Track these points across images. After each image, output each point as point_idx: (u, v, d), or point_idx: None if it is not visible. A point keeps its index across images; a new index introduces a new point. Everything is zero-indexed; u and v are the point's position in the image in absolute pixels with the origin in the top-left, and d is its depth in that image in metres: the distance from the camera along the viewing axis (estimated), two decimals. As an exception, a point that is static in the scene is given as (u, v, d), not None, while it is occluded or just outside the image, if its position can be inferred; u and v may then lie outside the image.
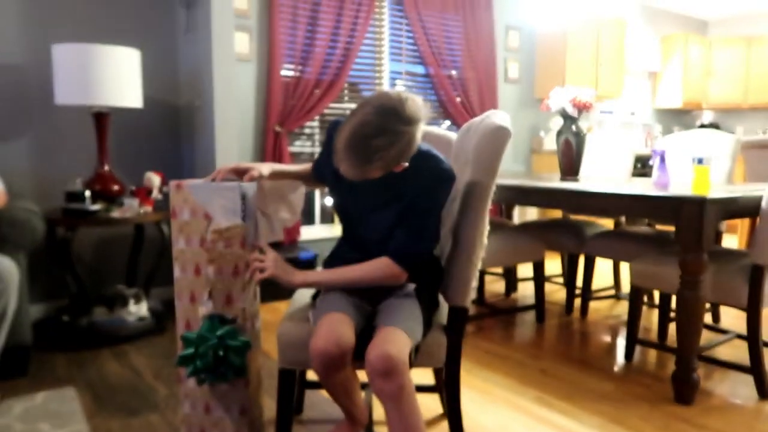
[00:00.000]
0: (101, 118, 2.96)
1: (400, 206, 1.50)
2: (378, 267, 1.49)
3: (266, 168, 1.65)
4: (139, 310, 2.94)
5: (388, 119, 1.31)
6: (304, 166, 1.79)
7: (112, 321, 2.84)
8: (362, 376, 1.49)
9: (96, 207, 2.77)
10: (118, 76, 2.82)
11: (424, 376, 2.32)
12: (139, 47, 3.37)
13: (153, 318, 2.95)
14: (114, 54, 2.81)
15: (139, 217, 2.86)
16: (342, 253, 1.67)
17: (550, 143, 5.38)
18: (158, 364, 2.55)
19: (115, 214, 2.81)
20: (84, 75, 2.75)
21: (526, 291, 3.89)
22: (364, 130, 1.30)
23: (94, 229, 3.30)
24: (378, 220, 1.54)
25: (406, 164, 1.41)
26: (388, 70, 4.53)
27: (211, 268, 1.63)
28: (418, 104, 1.36)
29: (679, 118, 7.31)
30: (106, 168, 2.99)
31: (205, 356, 1.58)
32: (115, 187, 2.99)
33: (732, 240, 5.54)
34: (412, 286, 1.56)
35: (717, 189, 2.32)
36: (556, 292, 3.90)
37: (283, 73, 3.85)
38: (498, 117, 1.58)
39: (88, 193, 2.84)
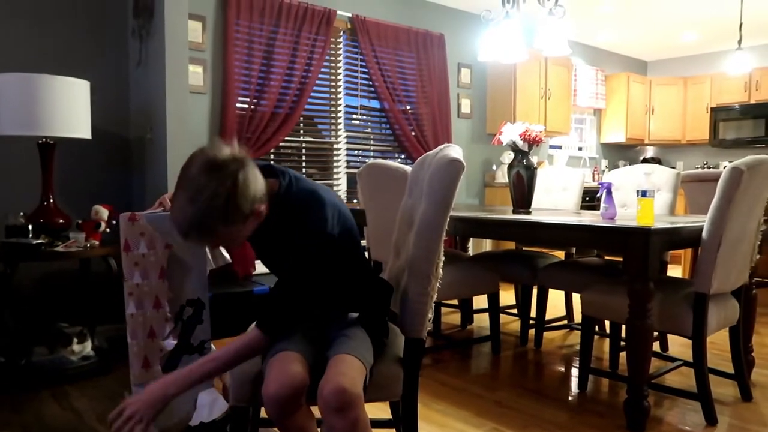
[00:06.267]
0: (47, 149, 2.87)
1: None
2: (246, 344, 1.40)
3: None
4: (83, 349, 2.80)
5: (192, 179, 1.24)
6: None
7: (53, 361, 2.70)
8: (317, 411, 1.46)
9: (39, 241, 2.66)
10: (65, 107, 2.75)
11: (380, 409, 2.29)
12: (89, 78, 3.31)
13: (98, 357, 2.82)
14: (61, 84, 2.74)
15: (85, 252, 2.76)
16: None
17: (502, 177, 5.51)
18: (102, 406, 2.42)
19: (60, 248, 2.70)
20: (29, 105, 2.67)
21: (481, 322, 3.91)
22: (178, 203, 1.25)
23: (36, 264, 3.15)
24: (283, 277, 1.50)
25: (263, 208, 1.34)
26: (344, 104, 4.58)
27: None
28: (220, 146, 1.28)
29: (624, 152, 7.63)
30: (51, 200, 2.88)
31: None
32: (60, 221, 2.88)
33: (677, 272, 5.74)
34: (354, 315, 1.56)
35: (660, 220, 2.42)
36: (510, 323, 3.93)
37: (238, 106, 3.84)
38: (452, 150, 1.61)
39: (30, 226, 2.73)
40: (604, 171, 7.14)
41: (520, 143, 2.93)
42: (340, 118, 4.57)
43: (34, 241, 2.64)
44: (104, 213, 2.93)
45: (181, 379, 1.38)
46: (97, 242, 2.86)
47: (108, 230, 2.96)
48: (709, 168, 6.97)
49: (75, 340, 2.78)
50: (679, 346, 3.30)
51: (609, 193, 2.56)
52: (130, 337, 1.60)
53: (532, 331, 3.46)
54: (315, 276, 1.41)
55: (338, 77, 4.53)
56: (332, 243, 1.41)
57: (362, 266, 1.65)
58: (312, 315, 1.52)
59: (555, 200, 3.79)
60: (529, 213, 2.92)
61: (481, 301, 4.24)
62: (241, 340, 1.41)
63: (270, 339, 1.41)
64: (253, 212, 1.31)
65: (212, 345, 1.68)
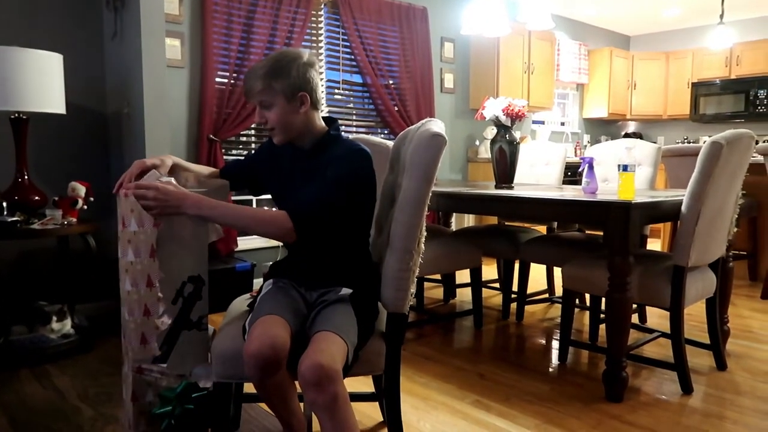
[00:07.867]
0: (20, 124, 2.79)
1: None
2: (272, 216, 1.51)
3: (169, 161, 1.67)
4: (62, 327, 2.78)
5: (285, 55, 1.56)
6: (210, 169, 1.84)
7: (32, 340, 2.67)
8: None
9: (14, 219, 2.60)
10: (37, 81, 2.68)
11: (363, 384, 2.30)
12: (62, 51, 3.21)
13: (78, 335, 2.80)
14: (32, 57, 2.66)
15: (63, 229, 2.71)
16: (289, 259, 1.69)
17: (485, 152, 5.50)
18: (83, 384, 2.41)
19: (36, 225, 2.65)
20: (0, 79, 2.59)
21: (464, 297, 3.94)
22: (272, 56, 1.57)
23: (12, 242, 3.10)
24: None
25: (307, 106, 1.54)
26: (325, 78, 4.51)
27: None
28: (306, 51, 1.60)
29: (606, 127, 7.67)
30: (26, 177, 2.82)
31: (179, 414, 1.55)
32: (36, 198, 2.82)
33: (656, 245, 5.83)
34: (347, 291, 1.55)
35: (641, 194, 2.44)
36: (493, 297, 3.97)
37: (217, 80, 3.77)
38: (434, 125, 1.60)
39: (4, 204, 2.67)
40: (586, 146, 7.17)
41: (502, 118, 2.92)
42: (322, 93, 4.51)
43: (10, 219, 2.59)
44: (81, 190, 2.88)
45: (204, 201, 1.50)
46: (74, 219, 2.81)
47: (86, 207, 2.91)
48: (689, 143, 7.03)
49: (54, 318, 2.75)
50: (657, 317, 3.36)
51: (591, 167, 2.57)
52: (127, 315, 1.58)
53: (514, 305, 3.50)
54: (339, 182, 1.50)
55: (320, 51, 4.46)
56: (362, 177, 1.56)
57: (365, 238, 1.69)
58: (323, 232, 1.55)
59: (537, 175, 3.80)
60: (511, 188, 2.93)
61: (463, 276, 4.28)
62: (277, 211, 1.51)
63: (293, 227, 1.47)
64: (303, 95, 1.53)
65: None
